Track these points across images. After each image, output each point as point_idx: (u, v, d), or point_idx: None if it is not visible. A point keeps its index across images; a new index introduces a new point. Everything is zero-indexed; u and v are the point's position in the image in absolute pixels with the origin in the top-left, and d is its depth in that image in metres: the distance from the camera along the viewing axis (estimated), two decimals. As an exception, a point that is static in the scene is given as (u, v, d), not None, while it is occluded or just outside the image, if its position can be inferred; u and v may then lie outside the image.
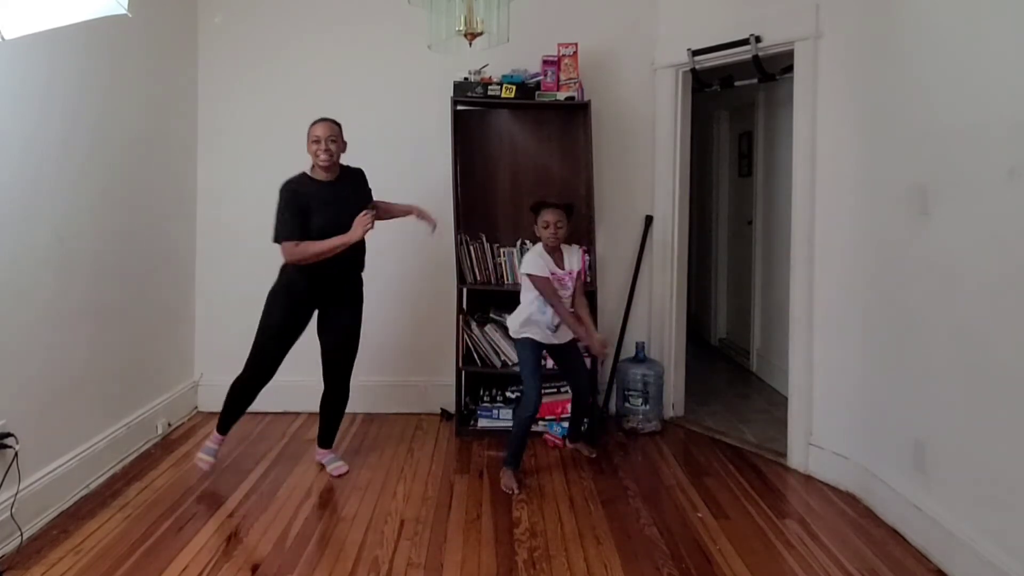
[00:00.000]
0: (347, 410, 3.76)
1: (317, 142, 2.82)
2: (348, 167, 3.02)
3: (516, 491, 2.89)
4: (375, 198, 3.12)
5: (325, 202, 2.84)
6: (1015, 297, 2.02)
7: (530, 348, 3.04)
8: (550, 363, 3.28)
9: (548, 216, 2.97)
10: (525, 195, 3.77)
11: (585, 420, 3.47)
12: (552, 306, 2.95)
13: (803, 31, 3.11)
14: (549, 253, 3.00)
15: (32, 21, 1.79)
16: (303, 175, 2.90)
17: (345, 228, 2.80)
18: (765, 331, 4.70)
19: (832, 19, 3.01)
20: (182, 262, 3.81)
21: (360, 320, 3.09)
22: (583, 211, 3.68)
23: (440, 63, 3.43)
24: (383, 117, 3.88)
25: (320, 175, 2.89)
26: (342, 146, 2.91)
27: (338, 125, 2.90)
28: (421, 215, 3.15)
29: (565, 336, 3.07)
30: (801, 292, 3.15)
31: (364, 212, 2.82)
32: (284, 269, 2.92)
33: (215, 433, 3.07)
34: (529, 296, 3.04)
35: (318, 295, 2.95)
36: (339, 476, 3.03)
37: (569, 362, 3.18)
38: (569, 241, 3.63)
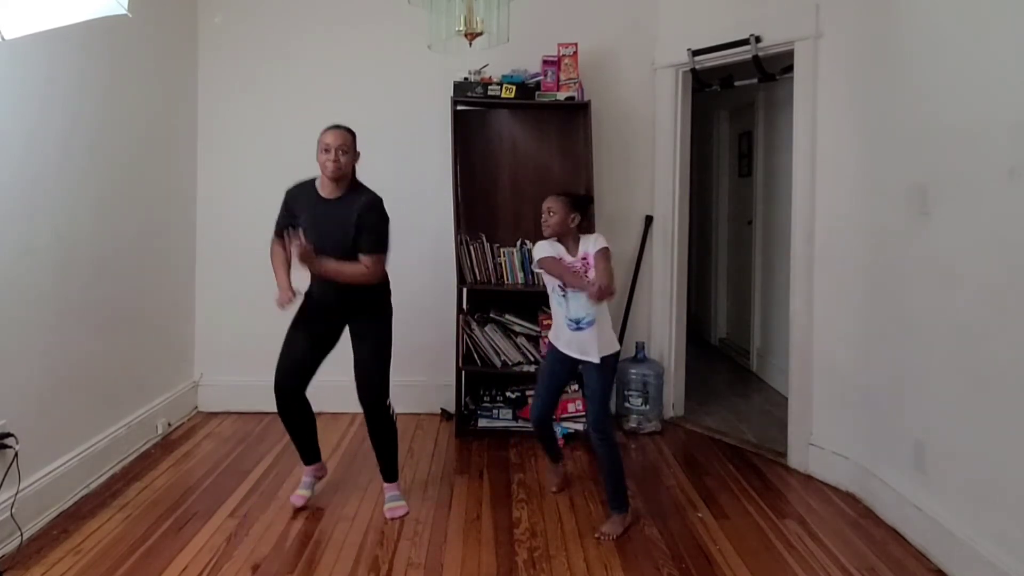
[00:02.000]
0: (347, 410, 3.79)
1: (327, 151, 2.53)
2: (364, 189, 2.67)
3: (554, 488, 2.88)
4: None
5: (320, 217, 2.59)
6: (1015, 297, 2.02)
7: (549, 357, 2.80)
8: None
9: (543, 204, 2.69)
10: (525, 195, 3.77)
11: (586, 420, 3.34)
12: (563, 280, 2.59)
13: (803, 31, 3.11)
14: (566, 244, 2.68)
15: (32, 21, 1.79)
16: (310, 183, 2.68)
17: (328, 247, 2.53)
18: (765, 331, 4.70)
19: (832, 19, 3.01)
20: (182, 262, 3.81)
21: (383, 336, 2.73)
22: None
23: (440, 63, 3.43)
24: (383, 117, 3.88)
25: (326, 188, 2.62)
26: (354, 157, 2.63)
27: (352, 134, 2.62)
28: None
29: (580, 350, 2.64)
30: (801, 292, 3.15)
31: (308, 250, 2.46)
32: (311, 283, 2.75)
33: (303, 464, 2.85)
34: (550, 294, 2.73)
35: (325, 306, 2.71)
36: (393, 519, 2.68)
37: (586, 388, 2.75)
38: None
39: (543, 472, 3.12)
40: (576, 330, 2.62)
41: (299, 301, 2.66)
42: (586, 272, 2.59)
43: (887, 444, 2.69)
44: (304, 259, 2.47)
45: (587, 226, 2.79)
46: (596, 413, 2.66)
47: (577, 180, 3.79)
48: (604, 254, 2.58)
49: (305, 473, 2.84)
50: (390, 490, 2.79)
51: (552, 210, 2.65)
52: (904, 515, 2.55)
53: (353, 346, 2.72)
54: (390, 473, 2.79)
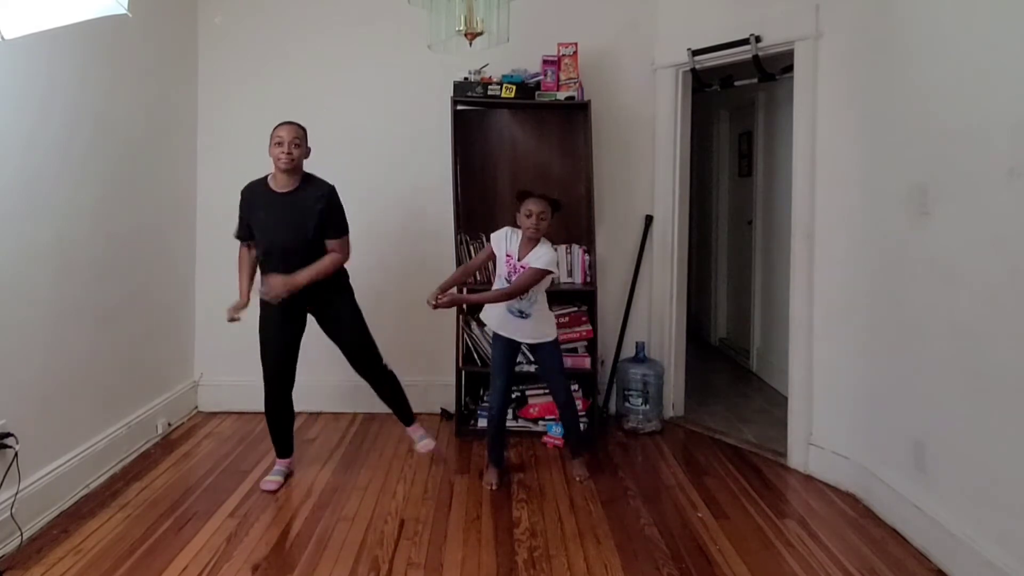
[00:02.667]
0: (348, 410, 3.79)
1: (280, 144, 2.71)
2: (316, 180, 2.84)
3: (493, 486, 2.94)
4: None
5: (268, 212, 2.75)
6: (1015, 297, 2.02)
7: (497, 346, 3.01)
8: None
9: (531, 205, 2.83)
10: (525, 195, 3.76)
11: (584, 423, 3.46)
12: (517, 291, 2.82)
13: (803, 31, 3.11)
14: (524, 243, 2.89)
15: (32, 21, 1.79)
16: (262, 181, 2.84)
17: (277, 241, 2.75)
18: (765, 331, 4.70)
19: (832, 19, 3.01)
20: (182, 262, 3.81)
21: (354, 309, 2.96)
22: (583, 210, 3.68)
23: (440, 63, 3.43)
24: (383, 117, 3.88)
25: (279, 181, 2.77)
26: (305, 151, 2.80)
27: (303, 129, 2.80)
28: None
29: (539, 337, 2.96)
30: (801, 292, 3.15)
31: (275, 284, 2.68)
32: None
33: (277, 459, 3.05)
34: (496, 280, 2.99)
35: (285, 299, 2.76)
36: (426, 452, 3.06)
37: (541, 365, 3.14)
38: (569, 241, 3.63)
39: (543, 472, 3.12)
40: (520, 318, 2.92)
41: (253, 303, 2.86)
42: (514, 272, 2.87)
43: (887, 444, 2.69)
44: (283, 291, 2.69)
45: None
46: (565, 383, 3.04)
47: (577, 180, 3.80)
48: (534, 274, 2.80)
49: (278, 463, 3.03)
50: (414, 431, 3.09)
51: (543, 215, 2.85)
52: (904, 515, 2.55)
53: (327, 329, 2.93)
54: (407, 417, 3.08)
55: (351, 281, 3.01)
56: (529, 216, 2.85)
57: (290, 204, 2.76)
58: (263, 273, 2.83)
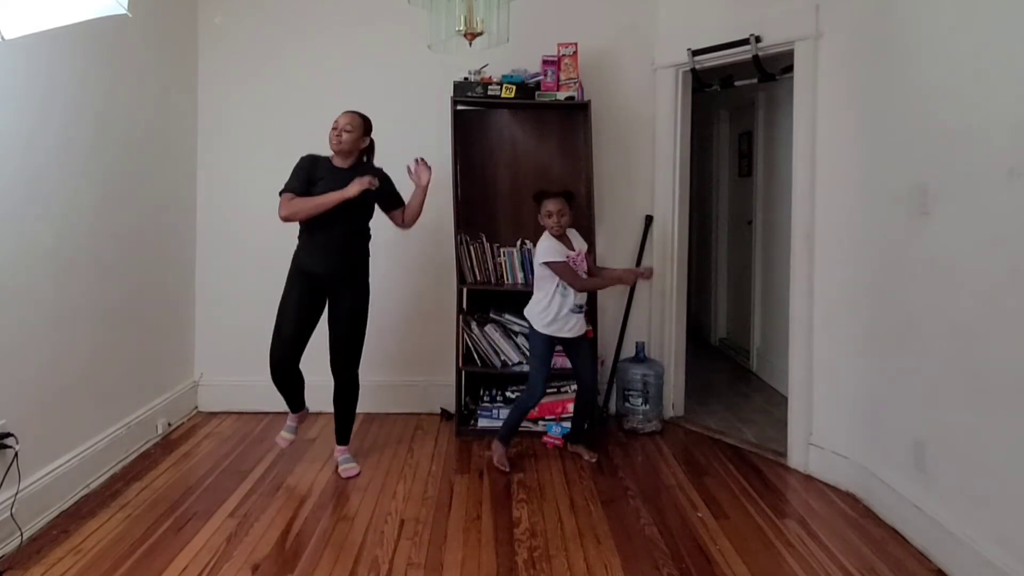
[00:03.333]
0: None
1: (334, 128, 2.94)
2: (368, 163, 3.10)
3: (507, 468, 3.08)
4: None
5: (336, 180, 2.90)
6: (1015, 297, 2.02)
7: (544, 342, 3.13)
8: (558, 362, 3.34)
9: (550, 206, 3.05)
10: (525, 195, 3.76)
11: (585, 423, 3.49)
12: (573, 286, 3.05)
13: (803, 31, 3.11)
14: (560, 240, 3.10)
15: (32, 21, 1.79)
16: (324, 157, 3.02)
17: (342, 208, 2.87)
18: (765, 331, 4.70)
19: (832, 19, 3.01)
20: (182, 262, 3.81)
21: (362, 309, 3.06)
22: (583, 211, 3.68)
23: (440, 63, 3.43)
24: (383, 117, 3.85)
25: (337, 161, 2.99)
26: (358, 138, 2.97)
27: (360, 118, 2.99)
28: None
29: (579, 329, 3.13)
30: (801, 292, 3.15)
31: (366, 178, 2.87)
32: (295, 253, 3.01)
33: (289, 412, 3.18)
34: (548, 288, 3.09)
35: (320, 272, 2.95)
36: (348, 478, 3.02)
37: (579, 356, 3.22)
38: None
39: (543, 472, 3.12)
40: (579, 312, 3.11)
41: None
42: (585, 261, 3.11)
43: (887, 444, 2.70)
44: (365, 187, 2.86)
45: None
46: (595, 374, 3.30)
47: (577, 180, 3.80)
48: (593, 260, 3.21)
49: (290, 418, 3.17)
50: (342, 452, 3.12)
51: (562, 212, 3.05)
52: (904, 515, 2.55)
53: (332, 317, 3.03)
54: (344, 436, 3.14)
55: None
56: (550, 216, 3.06)
57: (350, 178, 2.89)
58: (305, 240, 2.98)
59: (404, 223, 3.16)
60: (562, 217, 3.05)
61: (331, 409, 3.14)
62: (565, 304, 3.07)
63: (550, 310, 3.08)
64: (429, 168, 3.09)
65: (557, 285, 3.06)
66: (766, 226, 4.67)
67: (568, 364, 3.55)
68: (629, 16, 3.89)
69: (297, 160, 3.00)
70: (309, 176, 2.94)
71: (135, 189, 3.29)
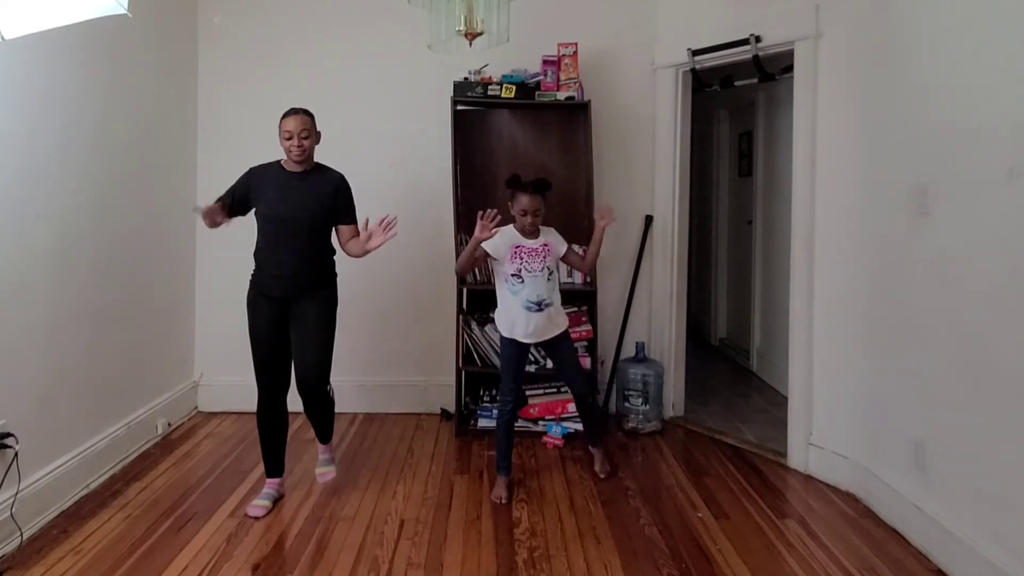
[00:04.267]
0: (348, 410, 3.79)
1: (289, 138, 2.65)
2: (326, 168, 2.81)
3: (503, 500, 2.80)
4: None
5: (279, 189, 2.69)
6: (1015, 297, 2.01)
7: (505, 346, 2.93)
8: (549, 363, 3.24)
9: (526, 203, 2.80)
10: (525, 195, 3.76)
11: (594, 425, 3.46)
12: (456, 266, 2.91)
13: (803, 31, 3.11)
14: (521, 233, 2.87)
15: (32, 21, 1.79)
16: (275, 163, 2.77)
17: (293, 215, 2.65)
18: (765, 331, 4.70)
19: (832, 19, 3.01)
20: (182, 262, 3.81)
21: (329, 319, 2.78)
22: (583, 210, 3.68)
23: (440, 63, 3.43)
24: (383, 117, 3.88)
25: (291, 166, 2.73)
26: (315, 139, 2.73)
27: (310, 116, 2.72)
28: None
29: (551, 331, 2.89)
30: (801, 292, 3.15)
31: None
32: (252, 275, 2.78)
33: (266, 479, 2.85)
34: (499, 285, 2.90)
35: (278, 294, 2.70)
36: (323, 482, 2.88)
37: (559, 358, 3.00)
38: (569, 241, 3.65)
39: (543, 472, 3.12)
40: (538, 311, 2.83)
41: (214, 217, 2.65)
42: (545, 257, 2.86)
43: (887, 444, 2.69)
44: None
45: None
46: (583, 376, 3.11)
47: (577, 180, 3.80)
48: (570, 248, 2.96)
49: (267, 484, 2.82)
50: (324, 451, 2.94)
51: (539, 211, 2.84)
52: (904, 515, 2.55)
53: (296, 328, 2.71)
54: (325, 435, 2.92)
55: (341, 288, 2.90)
56: (524, 215, 2.82)
57: (303, 184, 2.71)
58: (260, 256, 2.74)
59: (349, 251, 2.82)
60: (537, 216, 2.81)
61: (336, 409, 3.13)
62: (517, 300, 2.81)
63: (502, 309, 2.89)
64: (387, 229, 2.72)
65: (506, 281, 2.85)
66: (766, 226, 4.67)
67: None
68: (629, 16, 3.89)
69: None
70: (245, 187, 2.71)
71: (135, 189, 3.29)
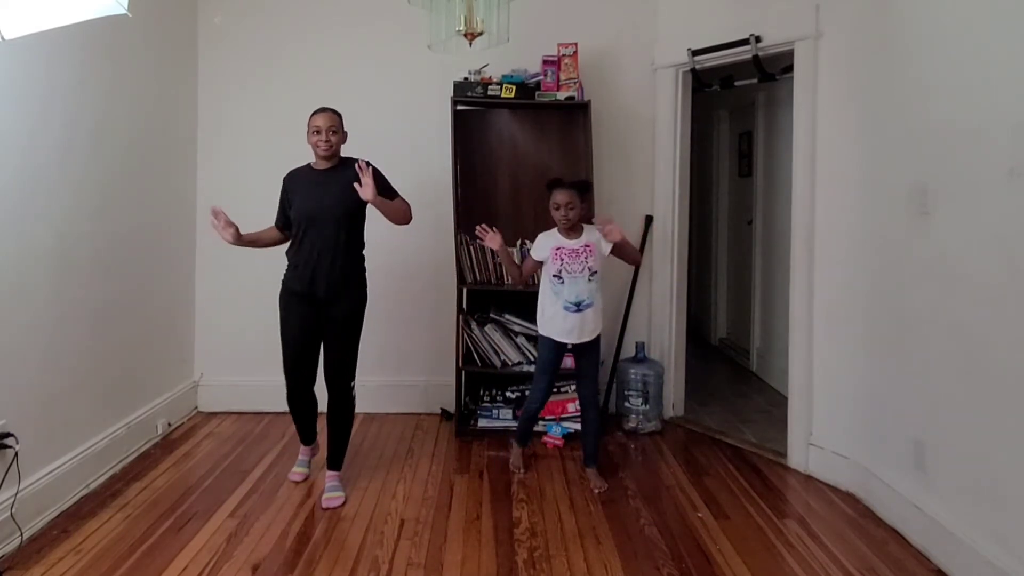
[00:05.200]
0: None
1: (318, 132, 2.77)
2: (355, 160, 2.84)
3: (521, 471, 3.02)
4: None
5: (309, 187, 2.81)
6: (1015, 297, 2.02)
7: (541, 344, 3.00)
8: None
9: (558, 197, 2.86)
10: (525, 195, 3.77)
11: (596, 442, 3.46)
12: (511, 273, 3.07)
13: (803, 31, 3.11)
14: (563, 233, 2.92)
15: (32, 21, 1.79)
16: (305, 166, 2.90)
17: (323, 210, 2.76)
18: (765, 331, 4.70)
19: (832, 19, 3.02)
20: (182, 262, 3.81)
21: (356, 320, 2.88)
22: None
23: (440, 63, 3.43)
24: (383, 117, 3.88)
25: (321, 164, 2.85)
26: (343, 137, 2.85)
27: (338, 115, 2.84)
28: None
29: (587, 334, 2.91)
30: (801, 292, 3.15)
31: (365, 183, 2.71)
32: (285, 274, 2.88)
33: (301, 446, 3.08)
34: (543, 283, 2.96)
35: (309, 291, 2.78)
36: (326, 509, 2.75)
37: (582, 363, 3.02)
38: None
39: (543, 472, 3.12)
40: (577, 312, 2.87)
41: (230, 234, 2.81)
42: (587, 257, 2.87)
43: (887, 444, 2.69)
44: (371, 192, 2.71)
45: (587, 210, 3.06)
46: (595, 387, 3.05)
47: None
48: (624, 241, 2.91)
49: (302, 452, 3.07)
50: (332, 479, 2.90)
51: (571, 204, 2.84)
52: (904, 515, 2.55)
53: (328, 329, 2.84)
54: (337, 461, 2.93)
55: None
56: (557, 208, 2.87)
57: (332, 179, 2.80)
58: (292, 255, 2.85)
59: (394, 220, 2.91)
60: (571, 210, 2.84)
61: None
62: (557, 300, 2.88)
63: (542, 307, 2.96)
64: (366, 172, 2.73)
65: (548, 281, 2.91)
66: (766, 226, 4.67)
67: (567, 363, 3.51)
68: (629, 16, 3.89)
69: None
70: (286, 197, 2.86)
71: (135, 189, 3.29)
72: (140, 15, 2.60)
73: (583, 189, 2.95)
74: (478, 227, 2.95)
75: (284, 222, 2.89)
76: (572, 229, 2.91)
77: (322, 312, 2.83)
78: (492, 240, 2.91)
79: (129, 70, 3.23)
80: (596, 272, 2.90)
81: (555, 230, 2.95)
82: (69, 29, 2.07)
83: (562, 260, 2.88)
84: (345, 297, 2.84)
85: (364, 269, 2.94)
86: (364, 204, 2.80)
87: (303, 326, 2.82)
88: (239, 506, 2.75)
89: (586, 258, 2.87)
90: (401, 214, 2.90)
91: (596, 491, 2.92)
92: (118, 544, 2.44)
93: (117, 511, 2.69)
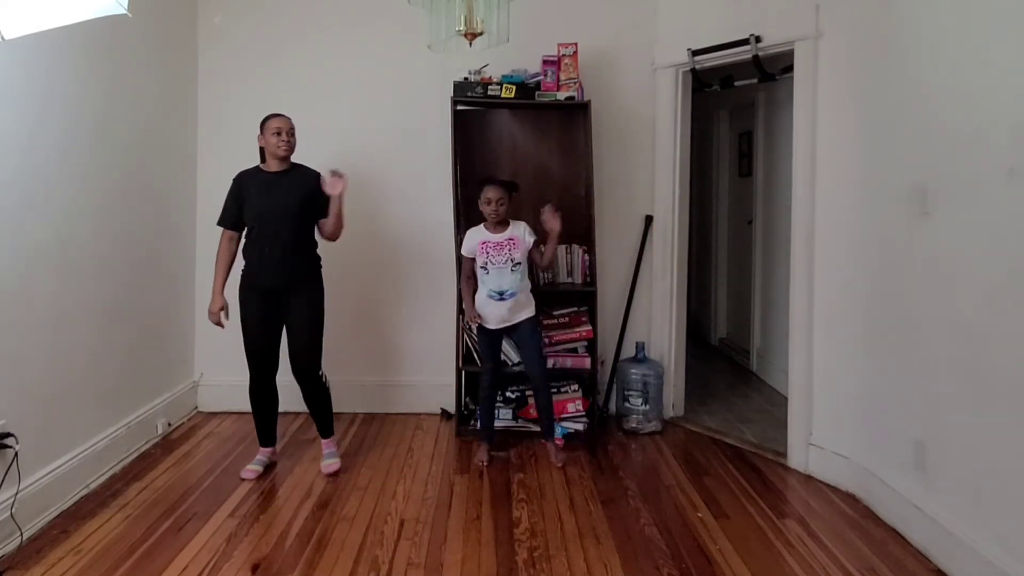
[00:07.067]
0: (348, 410, 3.79)
1: (279, 134, 2.94)
2: (306, 168, 3.06)
3: (484, 463, 3.15)
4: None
5: (267, 187, 2.95)
6: (1015, 297, 2.02)
7: (479, 331, 3.24)
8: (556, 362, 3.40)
9: (490, 193, 3.11)
10: (525, 195, 3.75)
11: (584, 423, 3.51)
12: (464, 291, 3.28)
13: (803, 31, 3.11)
14: (490, 228, 3.17)
15: (32, 21, 1.79)
16: (254, 168, 3.05)
17: (271, 213, 2.92)
18: (765, 331, 4.70)
19: (832, 19, 3.01)
20: (182, 262, 3.81)
21: (318, 309, 3.05)
22: (583, 211, 3.69)
23: (440, 63, 3.43)
24: (383, 117, 3.88)
25: (272, 166, 3.01)
26: (295, 140, 3.02)
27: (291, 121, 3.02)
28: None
29: (513, 318, 3.15)
30: (801, 292, 3.15)
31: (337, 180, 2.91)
32: (243, 271, 3.03)
33: (259, 448, 3.16)
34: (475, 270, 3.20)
35: (269, 285, 2.96)
36: (329, 475, 3.03)
37: (519, 344, 3.28)
38: (570, 242, 3.68)
39: (543, 472, 3.12)
40: (500, 300, 3.10)
41: (229, 312, 3.02)
42: (511, 250, 3.11)
43: (887, 444, 2.69)
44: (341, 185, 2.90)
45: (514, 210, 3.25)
46: (540, 364, 3.24)
47: (577, 180, 3.80)
48: (536, 244, 3.19)
49: (260, 453, 3.14)
50: (327, 446, 3.15)
51: (501, 201, 3.11)
52: (904, 515, 2.55)
53: (289, 319, 3.01)
54: (327, 429, 3.15)
55: (334, 282, 3.15)
56: (488, 204, 3.11)
57: (283, 182, 2.97)
58: (248, 252, 2.98)
59: (325, 234, 3.05)
60: (500, 205, 3.10)
61: (335, 408, 3.14)
62: (483, 290, 3.14)
63: (477, 298, 3.18)
64: (343, 176, 2.94)
65: (478, 272, 3.15)
66: (766, 226, 4.67)
67: (567, 364, 3.58)
68: (629, 16, 3.89)
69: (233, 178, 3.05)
70: (237, 196, 3.00)
71: (135, 189, 3.29)
72: (140, 15, 2.60)
73: (511, 188, 3.18)
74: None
75: (234, 221, 3.01)
76: (499, 223, 3.15)
77: (282, 303, 2.99)
78: (472, 320, 3.19)
79: (129, 70, 3.23)
80: (520, 263, 3.13)
81: (481, 225, 3.19)
82: (69, 29, 2.07)
83: (487, 252, 3.13)
84: (303, 287, 3.01)
85: (319, 264, 3.11)
86: (314, 204, 2.97)
87: (262, 316, 2.98)
88: (239, 506, 2.75)
89: (510, 250, 3.11)
90: (339, 228, 3.03)
91: (558, 463, 3.15)
92: (118, 544, 2.44)
93: (117, 511, 2.69)
